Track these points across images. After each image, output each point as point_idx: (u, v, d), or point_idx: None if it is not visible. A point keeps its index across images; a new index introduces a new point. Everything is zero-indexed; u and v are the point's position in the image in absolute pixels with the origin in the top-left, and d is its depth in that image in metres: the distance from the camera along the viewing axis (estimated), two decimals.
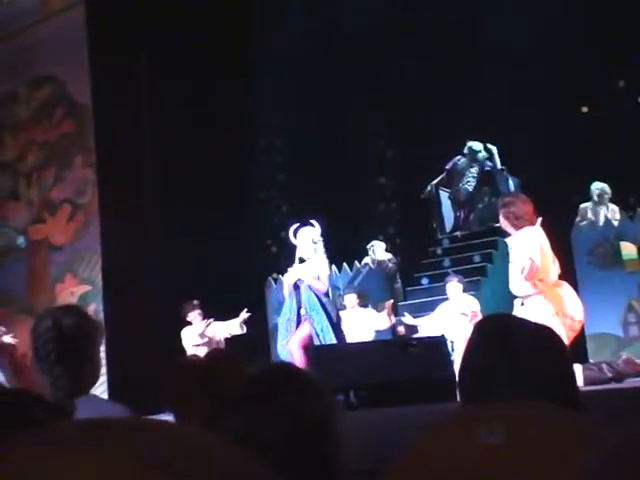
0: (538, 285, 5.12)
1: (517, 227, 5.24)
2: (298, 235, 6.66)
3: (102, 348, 8.26)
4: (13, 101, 9.84)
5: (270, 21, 9.82)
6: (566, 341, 4.87)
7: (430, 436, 1.13)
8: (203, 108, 9.51)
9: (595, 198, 7.86)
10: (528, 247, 5.13)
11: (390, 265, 9.26)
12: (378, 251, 9.37)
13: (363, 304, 7.82)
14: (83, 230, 9.09)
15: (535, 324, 1.41)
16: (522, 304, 5.20)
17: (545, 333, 1.39)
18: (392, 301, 7.87)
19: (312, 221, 6.72)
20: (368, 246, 9.45)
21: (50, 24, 9.41)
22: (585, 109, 9.77)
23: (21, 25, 9.56)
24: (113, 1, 8.95)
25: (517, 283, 5.21)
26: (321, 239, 6.62)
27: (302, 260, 6.58)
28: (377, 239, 9.70)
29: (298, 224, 6.77)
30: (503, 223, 5.35)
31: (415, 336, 6.69)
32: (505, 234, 5.69)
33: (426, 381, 4.14)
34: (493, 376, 1.33)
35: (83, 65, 9.12)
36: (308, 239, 6.59)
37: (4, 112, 9.90)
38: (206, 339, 7.44)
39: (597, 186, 7.89)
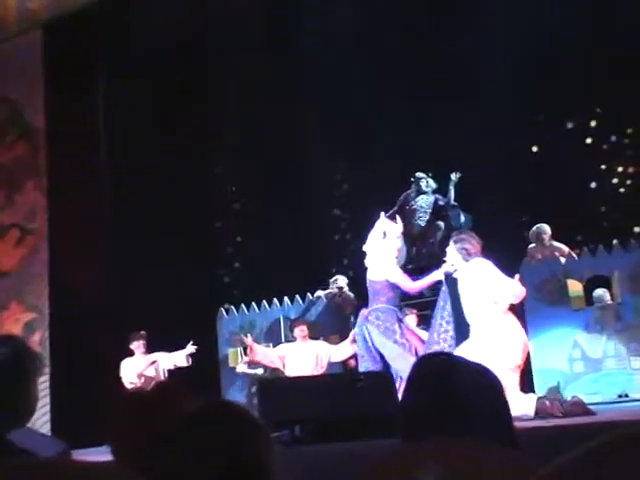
0: (494, 307, 5.26)
1: (467, 261, 5.52)
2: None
3: (44, 378, 8.04)
4: None
5: (230, 48, 9.82)
6: (521, 365, 5.19)
7: (371, 475, 1.13)
8: (159, 136, 9.46)
9: (534, 238, 7.99)
10: (486, 273, 5.36)
11: (343, 297, 9.22)
12: (340, 284, 9.31)
13: (314, 336, 7.78)
14: (31, 256, 8.92)
15: (473, 363, 1.43)
16: (476, 333, 5.29)
17: (482, 372, 1.40)
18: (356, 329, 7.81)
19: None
20: (331, 280, 9.38)
21: (6, 47, 9.32)
22: (535, 148, 9.98)
23: None
24: (70, 26, 8.90)
25: (473, 309, 5.35)
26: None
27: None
28: (331, 271, 9.68)
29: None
30: (454, 256, 5.63)
31: (362, 371, 6.66)
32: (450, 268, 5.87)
33: (372, 416, 4.13)
34: (431, 413, 1.34)
35: (38, 88, 9.04)
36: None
37: None
38: (143, 379, 7.28)
39: (535, 228, 8.05)
